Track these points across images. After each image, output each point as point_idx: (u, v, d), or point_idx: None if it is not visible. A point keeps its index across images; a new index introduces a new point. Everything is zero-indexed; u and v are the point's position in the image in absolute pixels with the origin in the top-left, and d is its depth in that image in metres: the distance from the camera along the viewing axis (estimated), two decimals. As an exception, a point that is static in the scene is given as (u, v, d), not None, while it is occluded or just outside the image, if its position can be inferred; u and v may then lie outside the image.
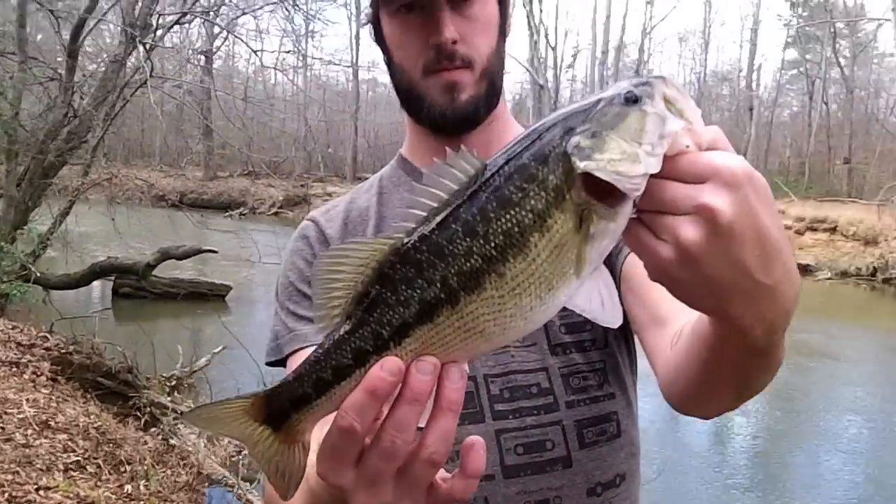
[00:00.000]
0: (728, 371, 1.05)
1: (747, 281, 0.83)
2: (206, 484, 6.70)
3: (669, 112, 0.83)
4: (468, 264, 0.84)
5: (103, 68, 14.52)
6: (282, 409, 0.93)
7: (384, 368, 0.85)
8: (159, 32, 14.79)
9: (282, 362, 1.57)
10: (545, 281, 0.84)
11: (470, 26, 1.46)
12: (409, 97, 1.55)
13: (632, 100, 0.83)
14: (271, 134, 38.83)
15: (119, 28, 14.37)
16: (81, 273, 13.68)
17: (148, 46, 13.73)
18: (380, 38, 1.58)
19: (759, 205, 0.81)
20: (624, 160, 0.81)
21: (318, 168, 43.58)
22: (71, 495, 4.78)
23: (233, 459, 7.40)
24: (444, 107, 1.49)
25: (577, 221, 0.83)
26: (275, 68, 27.75)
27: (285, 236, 14.87)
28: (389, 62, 1.58)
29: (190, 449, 7.16)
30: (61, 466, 5.35)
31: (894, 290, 22.94)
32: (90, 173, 13.77)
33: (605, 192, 0.81)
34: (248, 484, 6.63)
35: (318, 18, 29.95)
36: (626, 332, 1.59)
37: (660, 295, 1.23)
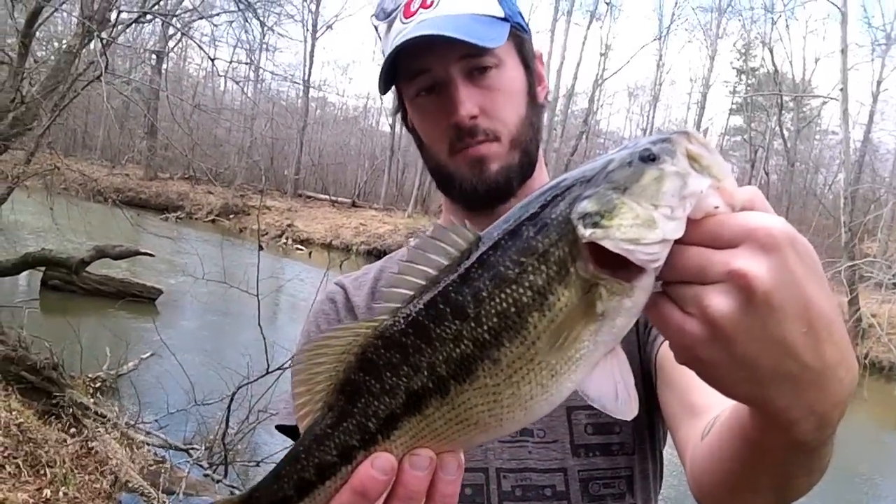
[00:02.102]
0: (768, 470, 0.90)
1: (792, 364, 0.71)
2: (123, 492, 6.56)
3: (693, 170, 0.73)
4: (458, 350, 0.76)
5: (54, 57, 14.26)
6: None
7: (375, 466, 0.78)
8: (118, 28, 14.58)
9: (293, 430, 1.46)
10: (548, 367, 0.75)
11: (490, 98, 1.40)
12: (441, 177, 1.50)
13: (648, 158, 0.74)
14: (216, 141, 38.35)
15: (76, 19, 14.12)
16: (13, 261, 13.28)
17: (104, 42, 13.52)
18: (408, 124, 1.56)
19: (804, 271, 0.69)
20: (637, 226, 0.71)
21: (260, 180, 43.12)
22: (-10, 495, 4.65)
23: (152, 469, 7.25)
24: (474, 181, 1.43)
25: (584, 298, 0.73)
26: (227, 76, 27.56)
27: (229, 248, 14.59)
28: (420, 145, 1.54)
29: (110, 455, 7.00)
30: (-20, 463, 5.20)
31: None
32: (32, 161, 13.45)
33: (618, 264, 0.72)
34: (166, 496, 6.50)
35: (274, 30, 29.74)
36: (655, 437, 1.47)
37: (691, 381, 1.13)
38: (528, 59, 1.48)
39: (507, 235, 0.76)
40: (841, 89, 23.22)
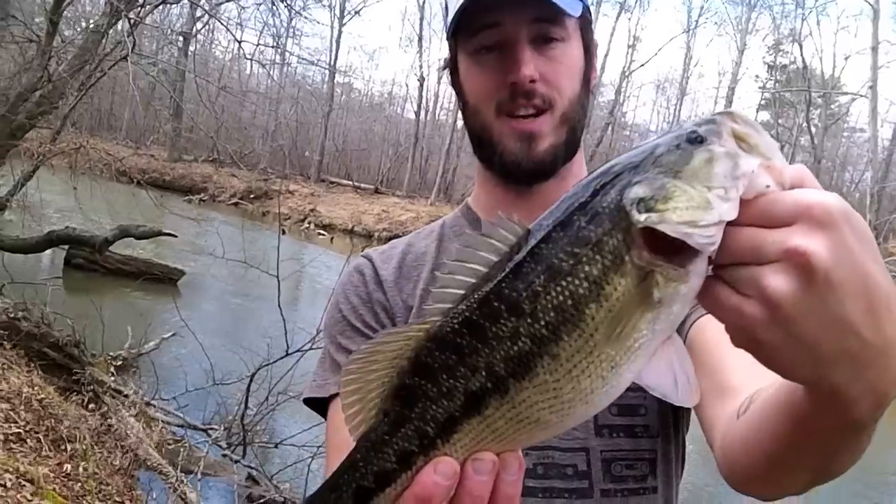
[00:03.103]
0: (814, 450, 0.88)
1: (854, 341, 0.69)
2: (142, 469, 6.60)
3: (741, 150, 0.73)
4: (516, 347, 0.74)
5: (82, 36, 14.32)
6: None
7: (438, 471, 0.76)
8: (145, 9, 14.62)
9: (321, 403, 1.46)
10: (607, 359, 0.73)
11: (552, 67, 1.38)
12: (482, 140, 1.45)
13: (696, 140, 0.73)
14: (241, 124, 38.57)
15: (104, -1, 14.18)
16: (37, 239, 13.39)
17: (132, 22, 13.57)
18: (456, 82, 1.51)
19: (861, 247, 0.68)
20: (692, 209, 0.70)
21: (284, 165, 43.29)
22: (10, 469, 4.67)
23: (171, 448, 7.29)
24: (520, 156, 1.39)
25: (641, 286, 0.72)
26: (253, 60, 27.65)
27: (251, 231, 14.68)
28: (464, 106, 1.49)
29: (129, 432, 7.04)
30: (1, 437, 5.22)
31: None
32: (58, 140, 13.54)
33: (673, 250, 0.70)
34: (184, 475, 6.53)
35: (301, 14, 29.73)
36: (679, 421, 1.46)
37: (734, 363, 1.12)
38: (589, 42, 1.47)
39: (559, 227, 0.74)
40: (870, 87, 23.03)
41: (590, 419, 1.32)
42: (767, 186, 0.71)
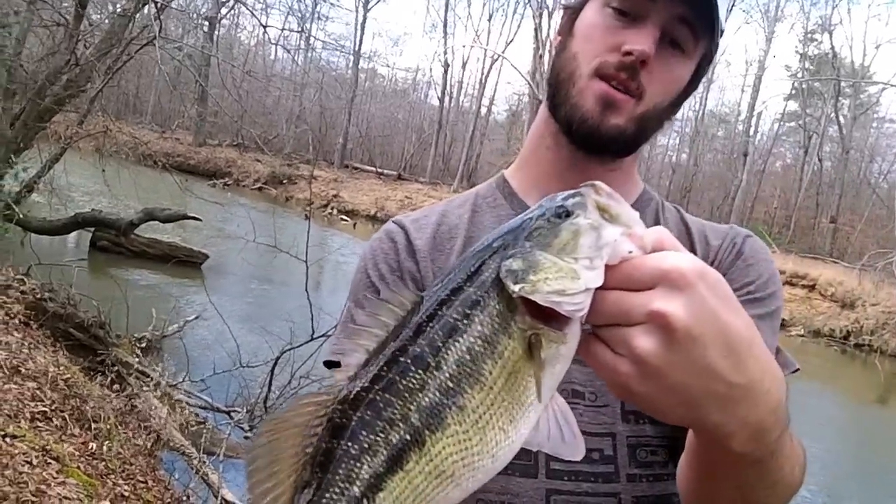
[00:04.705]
0: (723, 484, 0.97)
1: (719, 384, 0.77)
2: (165, 450, 6.67)
3: (605, 220, 0.79)
4: (427, 398, 0.78)
5: (109, 20, 14.42)
6: None
7: None
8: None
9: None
10: (506, 411, 0.79)
11: (663, 69, 1.35)
12: (561, 86, 1.40)
13: (563, 214, 0.80)
14: (265, 109, 38.68)
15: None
16: (64, 221, 13.54)
17: (158, 6, 13.64)
18: (569, 21, 1.44)
19: (717, 302, 0.76)
20: (561, 279, 0.76)
21: (308, 150, 43.40)
22: (36, 447, 4.72)
23: (193, 430, 7.36)
24: (591, 115, 1.35)
25: (526, 347, 0.78)
26: (278, 44, 27.72)
27: (278, 216, 14.75)
28: (561, 51, 1.43)
29: (152, 413, 7.11)
30: (28, 415, 5.27)
31: (864, 356, 22.59)
32: (85, 123, 13.66)
33: (551, 314, 0.77)
34: (206, 457, 6.58)
35: (329, 2, 29.76)
36: None
37: None
38: (699, 75, 1.44)
39: (450, 293, 0.80)
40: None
41: (617, 404, 1.35)
42: (630, 252, 0.78)
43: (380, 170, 42.84)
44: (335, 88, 47.92)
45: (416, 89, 59.96)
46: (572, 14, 1.44)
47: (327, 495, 0.78)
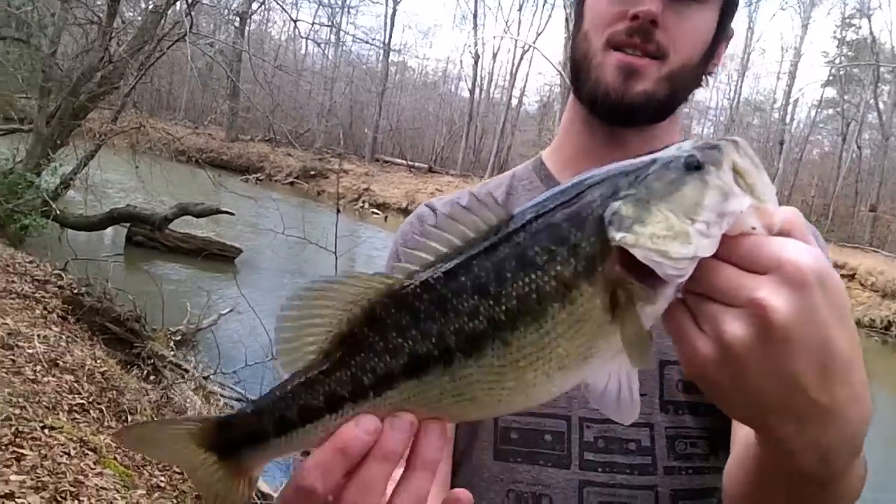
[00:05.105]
0: (780, 496, 0.90)
1: (800, 398, 0.70)
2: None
3: (737, 186, 0.70)
4: (471, 324, 0.73)
5: (141, 17, 14.59)
6: (233, 440, 0.83)
7: (360, 426, 0.75)
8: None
9: None
10: (557, 359, 0.73)
11: (679, 22, 1.28)
12: (579, 67, 1.36)
13: (693, 166, 0.71)
14: (296, 104, 38.86)
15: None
16: (99, 217, 13.73)
17: (189, 2, 13.76)
18: (579, 6, 1.41)
19: (828, 311, 0.68)
20: (669, 238, 0.68)
21: (339, 144, 43.53)
22: (74, 438, 4.80)
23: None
24: (613, 88, 1.30)
25: (607, 298, 0.71)
26: (308, 38, 27.81)
27: (309, 210, 14.80)
28: (576, 31, 1.40)
29: (187, 405, 7.19)
30: (66, 407, 5.37)
31: (906, 347, 21.91)
32: (119, 120, 13.83)
33: (645, 270, 0.69)
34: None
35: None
36: None
37: None
38: (725, 20, 1.39)
39: (541, 219, 0.73)
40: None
41: (655, 393, 1.30)
42: (753, 228, 0.70)
43: (410, 163, 42.85)
44: (365, 82, 48.01)
45: (446, 81, 59.93)
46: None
47: (338, 374, 0.77)
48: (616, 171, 0.73)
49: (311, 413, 0.78)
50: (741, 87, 50.74)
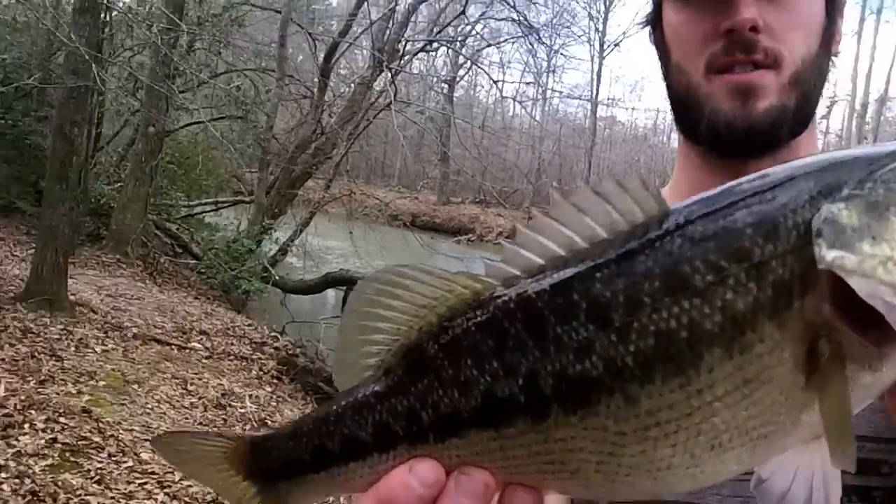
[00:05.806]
0: None
1: None
2: None
3: None
4: (579, 366, 0.52)
5: (350, 89, 15.34)
6: (268, 469, 0.66)
7: (414, 473, 0.56)
8: (405, 59, 15.41)
9: None
10: (709, 433, 0.50)
11: (780, 16, 1.05)
12: (685, 105, 1.14)
13: None
14: (504, 164, 39.44)
15: (368, 53, 15.08)
16: (315, 281, 14.36)
17: (394, 71, 14.29)
18: (659, 38, 1.19)
19: None
20: None
21: (548, 202, 43.68)
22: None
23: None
24: (732, 114, 1.05)
25: (803, 351, 0.48)
26: (514, 99, 28.23)
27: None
28: (666, 68, 1.18)
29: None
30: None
31: None
32: (331, 187, 14.50)
33: (869, 316, 0.46)
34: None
35: (562, 53, 30.05)
36: None
37: None
38: None
39: (710, 219, 0.51)
40: None
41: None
42: None
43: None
44: (573, 138, 48.10)
45: (656, 133, 59.01)
46: (655, 29, 1.20)
47: (393, 400, 0.58)
48: (831, 161, 0.51)
49: (355, 447, 0.60)
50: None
